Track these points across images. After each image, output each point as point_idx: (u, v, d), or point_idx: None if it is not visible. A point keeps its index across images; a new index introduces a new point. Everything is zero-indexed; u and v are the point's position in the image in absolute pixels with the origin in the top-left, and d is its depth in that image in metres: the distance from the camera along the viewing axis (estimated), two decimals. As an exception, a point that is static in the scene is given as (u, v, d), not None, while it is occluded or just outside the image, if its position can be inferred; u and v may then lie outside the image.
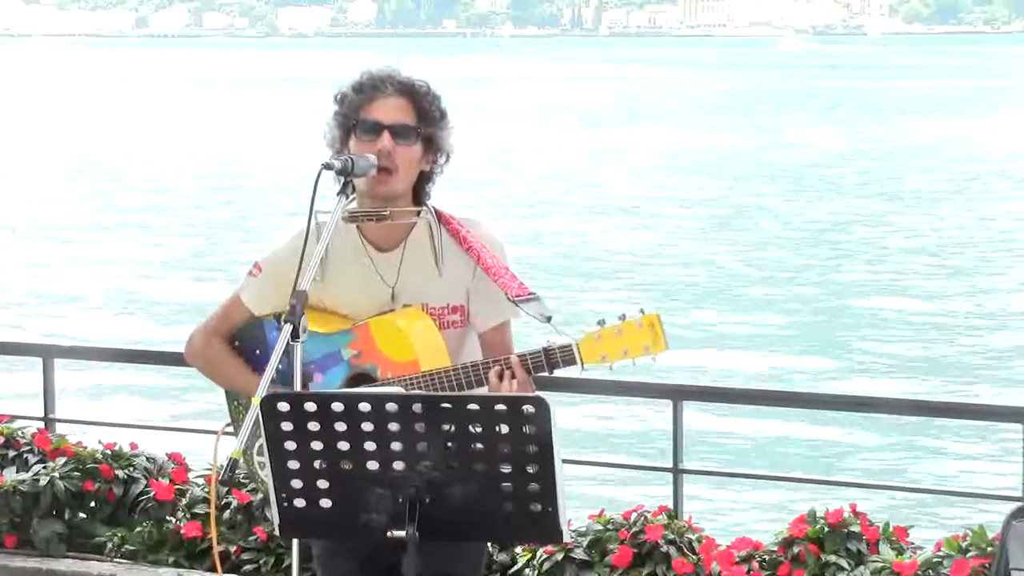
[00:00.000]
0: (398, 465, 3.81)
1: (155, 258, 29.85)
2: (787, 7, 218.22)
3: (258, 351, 4.68)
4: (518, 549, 6.53)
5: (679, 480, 6.61)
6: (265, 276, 4.67)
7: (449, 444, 3.78)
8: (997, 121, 61.71)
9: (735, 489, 13.03)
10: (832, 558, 6.17)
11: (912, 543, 6.28)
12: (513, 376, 4.42)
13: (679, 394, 6.69)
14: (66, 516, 7.17)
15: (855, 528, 6.25)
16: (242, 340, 4.73)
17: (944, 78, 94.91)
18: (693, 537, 6.43)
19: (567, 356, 4.43)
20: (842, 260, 29.21)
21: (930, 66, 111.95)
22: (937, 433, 15.70)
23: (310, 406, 3.81)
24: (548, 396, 3.78)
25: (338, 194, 4.49)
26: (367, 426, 3.79)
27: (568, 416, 13.99)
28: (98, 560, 7.10)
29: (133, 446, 7.40)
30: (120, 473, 7.20)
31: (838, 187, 41.34)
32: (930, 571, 6.03)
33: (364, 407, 3.78)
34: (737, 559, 6.27)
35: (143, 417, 12.67)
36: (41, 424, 7.51)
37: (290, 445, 3.84)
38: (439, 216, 4.63)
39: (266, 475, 3.93)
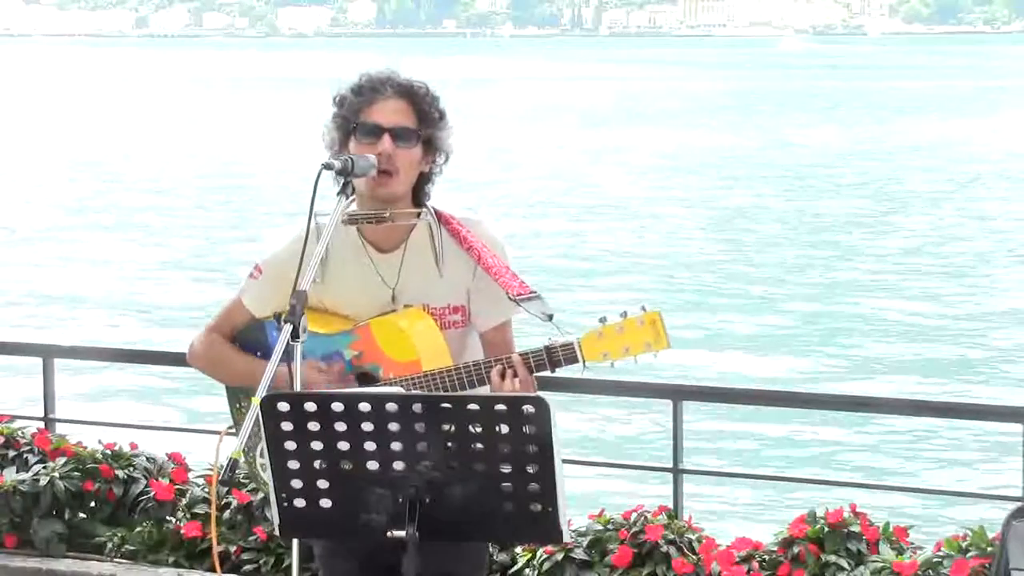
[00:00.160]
0: (398, 465, 3.81)
1: (155, 258, 29.85)
2: (787, 7, 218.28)
3: (259, 353, 4.67)
4: (518, 549, 6.53)
5: (679, 480, 6.61)
6: (266, 278, 4.66)
7: (449, 444, 3.78)
8: (997, 121, 61.71)
9: (735, 489, 13.02)
10: (832, 558, 6.17)
11: (912, 543, 6.28)
12: (515, 375, 4.42)
13: (679, 394, 6.69)
14: (66, 516, 7.17)
15: (855, 528, 6.25)
16: (243, 342, 4.73)
17: (944, 78, 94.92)
18: (693, 537, 6.43)
19: (569, 354, 4.43)
20: (842, 260, 29.20)
21: (930, 66, 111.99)
22: (937, 433, 15.69)
23: (310, 406, 3.81)
24: (548, 396, 3.78)
25: (338, 194, 4.49)
26: (367, 426, 3.79)
27: (567, 420, 13.99)
28: (98, 560, 7.10)
29: (133, 446, 7.40)
30: (120, 473, 7.20)
31: (838, 187, 41.33)
32: (930, 571, 6.03)
33: (364, 407, 3.78)
34: (737, 559, 6.27)
35: (143, 418, 12.67)
36: (41, 424, 7.51)
37: (290, 445, 3.84)
38: (439, 216, 4.63)
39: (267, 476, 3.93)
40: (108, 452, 7.28)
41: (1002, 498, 6.52)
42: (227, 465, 4.04)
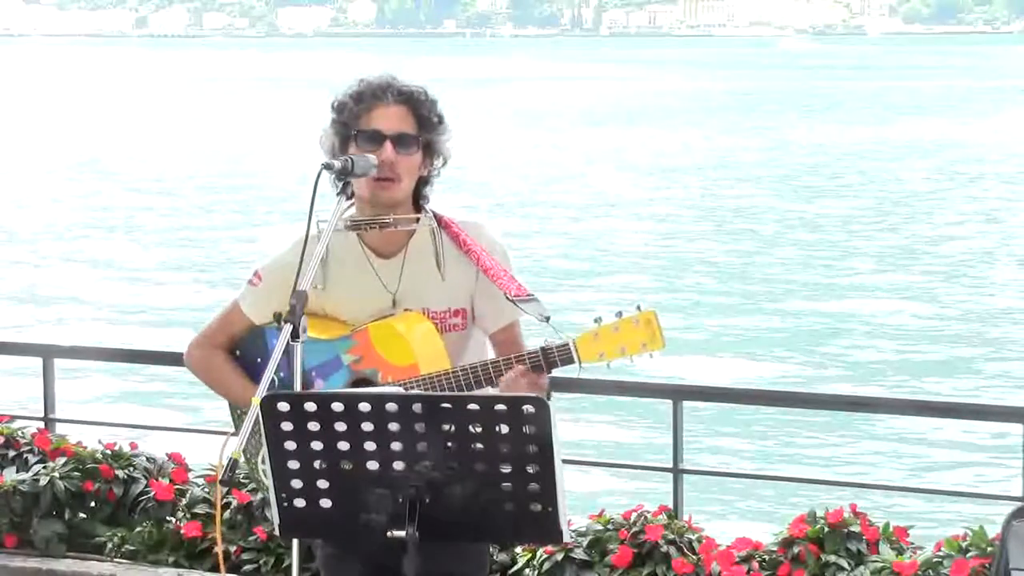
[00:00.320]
0: (398, 465, 3.81)
1: (155, 259, 29.85)
2: (787, 7, 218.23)
3: (260, 360, 4.64)
4: (518, 549, 6.53)
5: (679, 480, 6.61)
6: (265, 285, 4.64)
7: (449, 444, 3.77)
8: (997, 121, 61.71)
9: (735, 489, 13.03)
10: (832, 558, 6.17)
11: (912, 543, 6.28)
12: (523, 375, 4.40)
13: (679, 394, 6.69)
14: (66, 516, 7.17)
15: (855, 528, 6.25)
16: (243, 350, 4.71)
17: (944, 78, 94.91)
18: (693, 537, 6.43)
19: (565, 355, 4.40)
20: (842, 260, 29.20)
21: (930, 66, 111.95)
22: (937, 433, 15.69)
23: (310, 406, 3.81)
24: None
25: (338, 194, 4.48)
26: (367, 426, 3.79)
27: (567, 420, 13.98)
28: (98, 560, 7.10)
29: (133, 446, 7.40)
30: (120, 473, 7.20)
31: (838, 187, 41.33)
32: (930, 571, 6.03)
33: (364, 407, 3.78)
34: (737, 559, 6.27)
35: (143, 418, 12.67)
36: (41, 424, 7.51)
37: (290, 445, 3.84)
38: (439, 220, 4.63)
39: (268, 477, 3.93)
40: (108, 452, 7.29)
41: (1002, 498, 6.53)
42: (227, 465, 4.03)
